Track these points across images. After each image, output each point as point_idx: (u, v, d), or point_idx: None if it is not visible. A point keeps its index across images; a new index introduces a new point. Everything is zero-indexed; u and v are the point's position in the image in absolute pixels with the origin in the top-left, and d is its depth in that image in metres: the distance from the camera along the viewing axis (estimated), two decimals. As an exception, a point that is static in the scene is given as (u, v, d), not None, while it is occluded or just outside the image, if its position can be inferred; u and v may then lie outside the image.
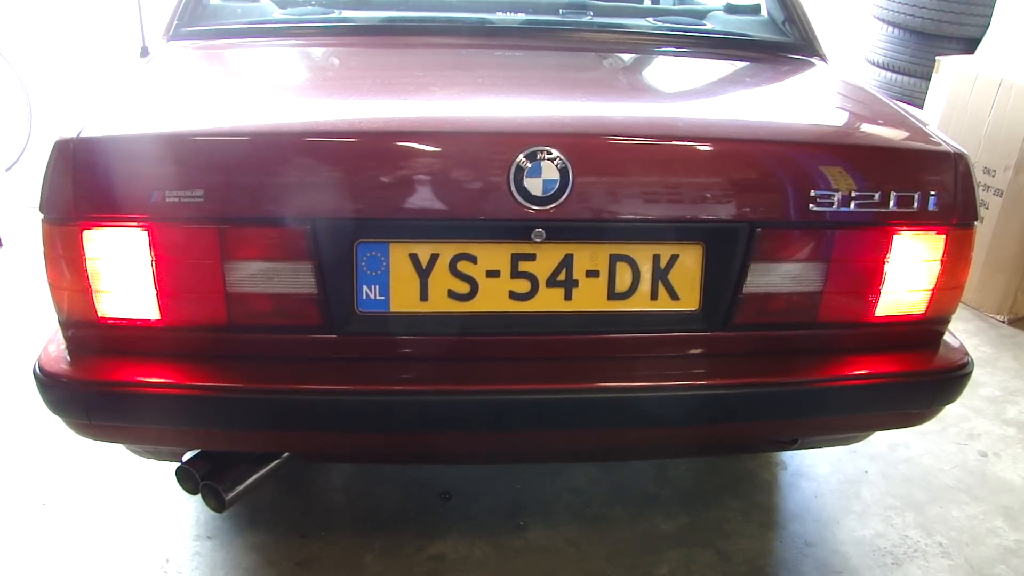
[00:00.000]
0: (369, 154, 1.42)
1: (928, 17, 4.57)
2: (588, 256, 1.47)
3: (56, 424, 1.54)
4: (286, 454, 1.59)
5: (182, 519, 2.00)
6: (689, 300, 1.52)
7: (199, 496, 1.56)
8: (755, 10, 2.31)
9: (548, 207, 1.40)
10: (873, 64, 4.95)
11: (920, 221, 1.52)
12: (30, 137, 4.13)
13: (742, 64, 2.08)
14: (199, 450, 1.56)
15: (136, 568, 1.87)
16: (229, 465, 1.56)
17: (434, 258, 1.45)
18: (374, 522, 2.03)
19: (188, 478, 1.54)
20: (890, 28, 4.79)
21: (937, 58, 3.44)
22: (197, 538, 1.95)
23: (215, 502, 1.54)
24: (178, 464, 1.55)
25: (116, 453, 2.10)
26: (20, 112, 4.12)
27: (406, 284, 1.45)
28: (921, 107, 3.65)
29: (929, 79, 3.49)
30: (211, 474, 1.53)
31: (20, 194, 3.64)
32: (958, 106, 3.23)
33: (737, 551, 1.99)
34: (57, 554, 1.89)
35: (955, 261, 1.57)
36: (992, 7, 4.17)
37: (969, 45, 4.45)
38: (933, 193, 1.51)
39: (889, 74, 4.86)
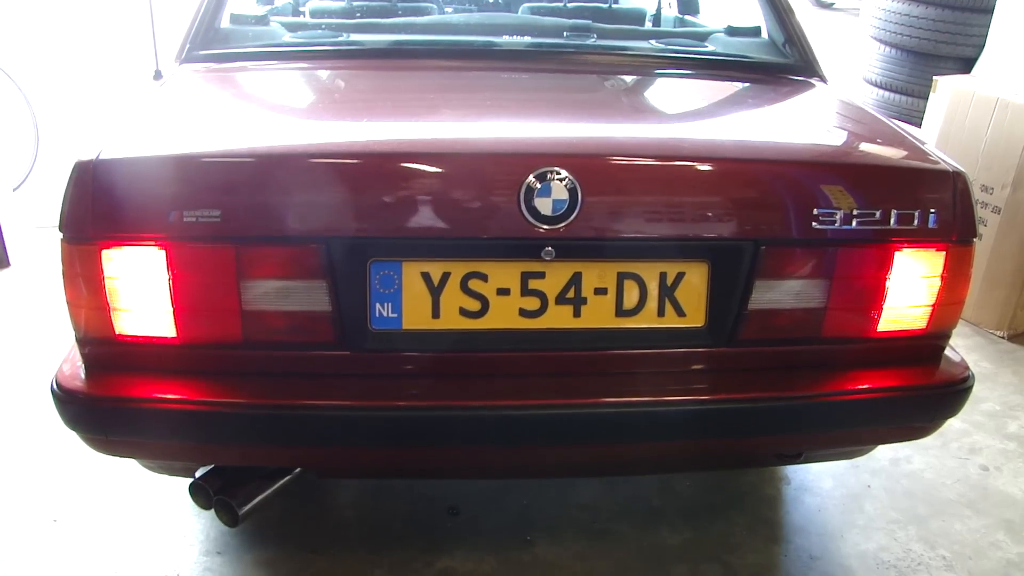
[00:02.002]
0: (382, 175, 1.45)
1: (925, 37, 4.63)
2: (596, 274, 1.50)
3: (66, 441, 1.57)
4: (298, 469, 1.61)
5: (192, 534, 2.02)
6: (695, 317, 1.55)
7: (210, 511, 1.59)
8: (756, 32, 2.35)
9: (557, 226, 1.43)
10: (871, 84, 5.00)
11: (920, 238, 1.55)
12: (37, 157, 4.16)
13: (744, 85, 2.11)
14: (213, 465, 1.59)
15: (147, 583, 1.89)
16: (242, 480, 1.58)
17: (446, 276, 1.47)
18: (383, 538, 2.04)
19: (202, 493, 1.56)
20: (887, 48, 4.85)
21: (934, 77, 3.47)
22: (207, 553, 1.97)
23: (228, 517, 1.56)
24: (192, 479, 1.57)
25: (126, 468, 2.12)
26: (27, 132, 4.16)
27: (418, 302, 1.48)
28: (919, 126, 3.68)
29: (926, 98, 3.52)
30: (224, 489, 1.55)
31: (27, 214, 3.66)
32: (955, 125, 3.27)
33: (743, 565, 2.00)
34: (68, 570, 1.91)
35: (955, 277, 1.59)
36: (988, 27, 4.22)
37: (965, 64, 4.50)
38: (933, 211, 1.54)
39: (887, 93, 4.91)
